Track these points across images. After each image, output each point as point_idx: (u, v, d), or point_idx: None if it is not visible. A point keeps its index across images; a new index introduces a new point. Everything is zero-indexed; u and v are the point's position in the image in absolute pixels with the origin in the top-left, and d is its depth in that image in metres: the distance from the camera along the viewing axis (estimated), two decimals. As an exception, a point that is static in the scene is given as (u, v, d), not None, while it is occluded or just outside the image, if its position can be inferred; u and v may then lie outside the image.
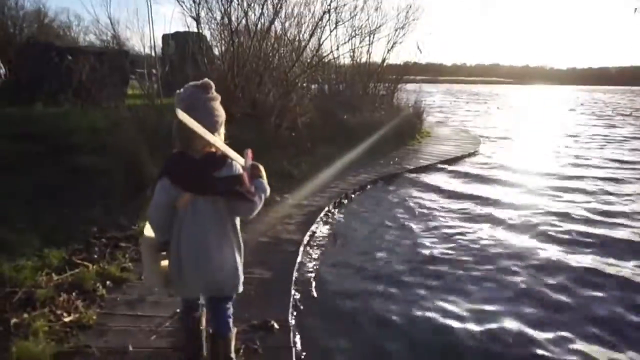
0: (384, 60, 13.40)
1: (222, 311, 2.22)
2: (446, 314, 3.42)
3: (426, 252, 4.62)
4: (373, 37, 12.72)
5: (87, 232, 4.21)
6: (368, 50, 12.92)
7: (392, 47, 13.09)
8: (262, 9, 7.51)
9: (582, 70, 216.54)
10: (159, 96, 8.21)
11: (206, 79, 2.05)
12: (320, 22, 8.01)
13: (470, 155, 10.39)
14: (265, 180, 2.08)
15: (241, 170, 2.00)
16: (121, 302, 3.15)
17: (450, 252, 4.63)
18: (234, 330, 2.34)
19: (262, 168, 2.09)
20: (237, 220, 2.14)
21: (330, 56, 9.59)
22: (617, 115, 25.63)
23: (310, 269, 4.11)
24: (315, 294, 3.69)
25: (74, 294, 3.13)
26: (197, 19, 7.63)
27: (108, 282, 3.37)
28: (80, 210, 4.66)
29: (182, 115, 1.81)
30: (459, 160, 9.77)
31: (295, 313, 3.27)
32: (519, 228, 5.41)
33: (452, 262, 4.39)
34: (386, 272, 4.15)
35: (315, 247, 4.64)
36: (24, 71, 10.41)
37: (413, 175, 8.13)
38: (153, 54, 9.65)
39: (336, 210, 5.94)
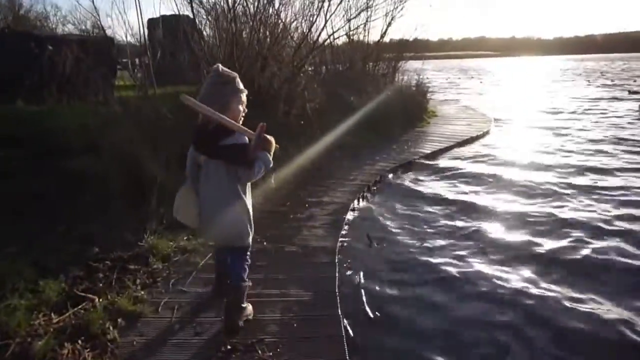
0: (382, 36, 12.67)
1: (233, 262, 2.60)
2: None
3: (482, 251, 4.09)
4: (371, 13, 12.00)
5: (88, 254, 3.59)
6: (365, 27, 12.21)
7: (390, 22, 12.38)
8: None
9: (568, 39, 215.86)
10: (153, 86, 7.50)
11: (216, 65, 2.43)
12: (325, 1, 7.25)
13: (484, 134, 9.84)
14: (270, 154, 2.37)
15: (246, 141, 2.35)
16: (138, 346, 2.57)
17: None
18: (246, 283, 2.65)
19: (272, 142, 2.37)
20: (245, 184, 2.48)
21: (327, 35, 8.78)
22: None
23: (355, 284, 3.54)
24: (370, 318, 3.13)
25: (79, 341, 2.53)
26: (190, 2, 6.86)
27: (119, 320, 2.77)
28: (76, 226, 4.02)
29: (185, 99, 2.24)
30: (474, 141, 9.23)
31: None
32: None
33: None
34: (438, 280, 3.61)
35: (351, 254, 4.07)
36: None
37: (432, 161, 7.56)
38: (141, 40, 8.88)
39: (362, 205, 5.36)
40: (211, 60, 6.72)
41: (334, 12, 7.99)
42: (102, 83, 8.55)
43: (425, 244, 4.29)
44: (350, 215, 4.91)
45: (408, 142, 8.75)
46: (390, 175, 6.64)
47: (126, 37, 7.71)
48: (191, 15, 7.55)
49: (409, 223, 4.85)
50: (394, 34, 13.20)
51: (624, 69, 41.41)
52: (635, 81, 26.57)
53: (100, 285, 3.17)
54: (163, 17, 9.63)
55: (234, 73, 2.44)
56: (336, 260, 3.69)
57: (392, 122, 9.62)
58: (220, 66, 2.41)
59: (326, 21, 7.60)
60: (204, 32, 7.50)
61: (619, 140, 9.04)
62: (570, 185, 6.05)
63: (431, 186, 6.18)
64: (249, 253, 2.66)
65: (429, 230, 4.66)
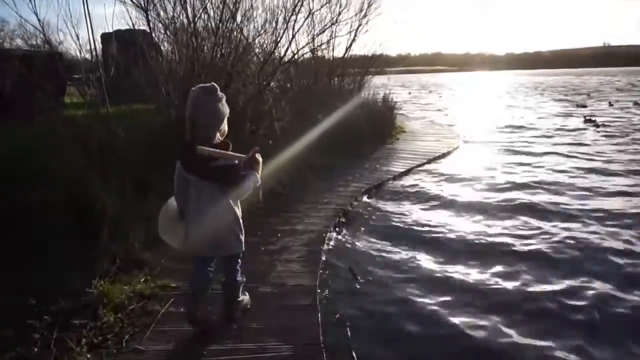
0: (347, 51, 12.47)
1: (227, 272, 2.88)
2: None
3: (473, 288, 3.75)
4: (335, 29, 11.79)
5: (22, 308, 3.00)
6: (330, 43, 11.97)
7: (354, 38, 12.20)
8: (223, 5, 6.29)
9: (518, 55, 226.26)
10: (105, 104, 6.89)
11: (213, 84, 2.54)
12: (293, 15, 6.88)
13: (454, 150, 9.72)
14: (258, 173, 2.59)
15: (236, 162, 2.53)
16: None
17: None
18: (241, 280, 2.94)
19: (259, 161, 2.61)
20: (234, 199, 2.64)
21: (293, 51, 8.42)
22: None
23: (342, 333, 3.08)
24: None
25: None
26: (146, 15, 6.34)
27: (58, 399, 2.24)
28: (9, 272, 3.40)
29: (201, 150, 2.41)
30: (445, 157, 9.08)
31: None
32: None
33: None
34: (434, 324, 3.23)
35: (334, 292, 3.64)
36: None
37: (406, 180, 7.28)
38: (92, 55, 8.24)
39: (339, 234, 4.94)
40: (170, 77, 6.21)
41: (299, 29, 7.63)
42: (47, 101, 7.82)
43: (413, 279, 3.92)
44: (327, 245, 4.48)
45: (379, 159, 8.48)
46: (365, 197, 6.28)
47: (79, 52, 7.07)
48: (147, 30, 7.00)
49: (392, 252, 4.47)
50: (358, 50, 13.06)
51: (574, 84, 43.46)
52: (581, 95, 27.80)
53: (36, 349, 2.61)
54: (117, 32, 9.02)
55: (201, 87, 2.54)
56: (317, 303, 3.26)
57: (361, 139, 9.36)
58: (214, 84, 2.54)
59: (292, 37, 7.23)
60: (162, 47, 6.95)
61: (582, 154, 9.14)
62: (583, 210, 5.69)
63: (409, 207, 5.87)
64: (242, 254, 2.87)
65: (415, 259, 4.30)
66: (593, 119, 14.80)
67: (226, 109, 2.56)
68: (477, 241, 4.71)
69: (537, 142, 10.86)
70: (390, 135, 10.78)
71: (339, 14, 10.78)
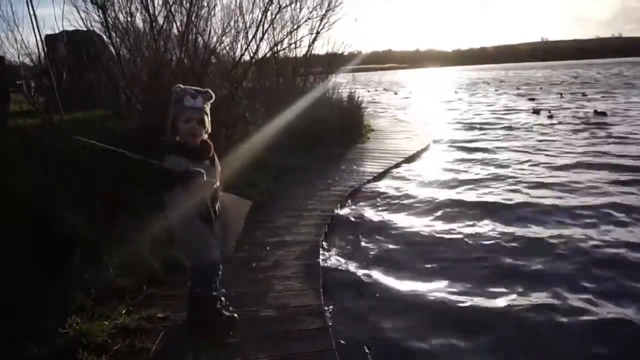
0: (309, 50, 12.21)
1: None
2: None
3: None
4: (296, 28, 11.47)
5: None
6: (294, 42, 11.64)
7: (316, 37, 11.95)
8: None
9: (465, 51, 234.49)
10: (59, 111, 6.27)
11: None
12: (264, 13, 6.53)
13: (426, 148, 9.66)
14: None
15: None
16: None
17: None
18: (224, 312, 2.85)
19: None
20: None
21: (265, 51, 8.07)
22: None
23: None
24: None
25: None
26: (104, 15, 5.78)
27: None
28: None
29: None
30: (419, 155, 9.00)
31: None
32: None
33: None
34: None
35: (343, 311, 3.35)
36: None
37: (385, 181, 7.09)
38: (39, 59, 7.55)
39: (332, 245, 4.64)
40: (132, 82, 5.71)
41: (268, 27, 7.29)
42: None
43: (420, 294, 3.69)
44: (322, 258, 4.18)
45: (354, 160, 8.27)
46: (350, 202, 6.02)
47: (18, 56, 6.41)
48: (103, 30, 6.42)
49: (391, 263, 4.22)
50: (319, 49, 12.84)
51: (519, 78, 45.30)
52: (534, 89, 28.96)
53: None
54: (67, 32, 8.29)
55: (188, 89, 2.49)
56: (329, 325, 2.96)
57: (333, 138, 9.14)
58: (179, 86, 2.49)
59: (262, 35, 6.88)
60: (121, 50, 6.39)
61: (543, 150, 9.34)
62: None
63: (397, 212, 5.66)
64: None
65: (416, 271, 4.09)
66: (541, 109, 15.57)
67: (180, 110, 2.46)
68: (479, 247, 4.55)
69: (501, 139, 11.05)
70: (360, 135, 10.60)
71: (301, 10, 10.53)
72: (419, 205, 5.90)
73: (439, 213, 5.57)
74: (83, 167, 4.53)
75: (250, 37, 6.71)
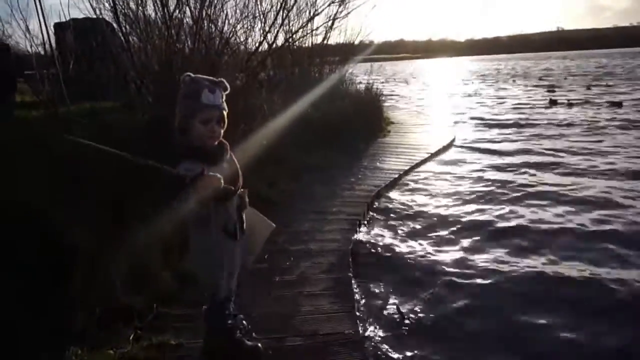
0: (325, 40, 11.69)
1: None
2: None
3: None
4: (315, 15, 10.93)
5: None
6: (308, 29, 11.11)
7: (332, 24, 11.40)
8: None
9: (478, 40, 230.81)
10: (65, 102, 5.88)
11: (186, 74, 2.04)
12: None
13: (452, 143, 9.14)
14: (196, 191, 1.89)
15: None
16: None
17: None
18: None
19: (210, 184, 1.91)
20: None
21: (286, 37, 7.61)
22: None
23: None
24: None
25: None
26: (113, 1, 5.34)
27: None
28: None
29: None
30: (446, 150, 8.50)
31: None
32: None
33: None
34: None
35: (384, 344, 2.89)
36: None
37: (413, 180, 6.62)
38: (46, 47, 7.12)
39: (364, 256, 4.18)
40: (143, 72, 5.27)
41: (289, 13, 6.81)
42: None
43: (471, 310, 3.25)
44: (353, 269, 3.73)
45: (377, 156, 7.78)
46: (377, 203, 5.56)
47: (30, 45, 6.02)
48: (113, 17, 5.97)
49: (436, 278, 3.76)
50: (335, 38, 12.35)
51: (541, 69, 44.13)
52: (557, 79, 28.08)
53: None
54: (75, 20, 7.88)
55: (202, 80, 2.00)
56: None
57: (352, 132, 8.64)
58: (190, 75, 2.01)
59: (282, 22, 6.39)
60: (131, 38, 5.95)
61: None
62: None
63: (433, 213, 5.21)
64: None
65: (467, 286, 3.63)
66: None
67: (194, 107, 2.01)
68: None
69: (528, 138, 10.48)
70: (381, 128, 10.09)
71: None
72: (453, 202, 5.45)
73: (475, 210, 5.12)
74: (87, 163, 4.12)
75: (267, 24, 6.23)
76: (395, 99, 20.31)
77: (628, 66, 38.50)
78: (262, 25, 6.33)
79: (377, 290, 3.52)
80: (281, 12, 7.11)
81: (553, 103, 15.56)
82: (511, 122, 12.07)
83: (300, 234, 4.39)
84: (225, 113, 2.06)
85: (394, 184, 6.31)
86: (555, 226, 4.70)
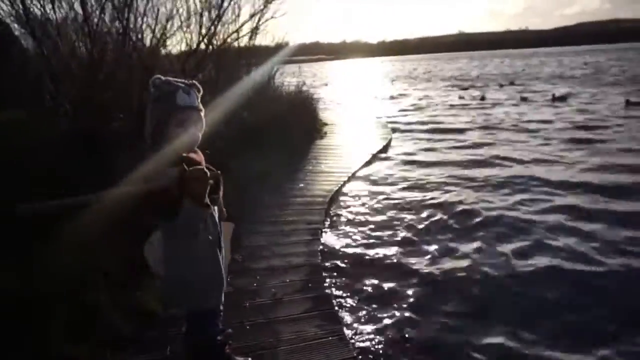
0: (251, 40, 11.32)
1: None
2: None
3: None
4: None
5: None
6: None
7: (256, 29, 11.08)
8: None
9: (389, 42, 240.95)
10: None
11: (154, 77, 1.78)
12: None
13: (391, 141, 9.21)
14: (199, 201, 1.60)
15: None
16: None
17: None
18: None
19: (200, 181, 1.60)
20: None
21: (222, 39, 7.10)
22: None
23: None
24: None
25: None
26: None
27: None
28: None
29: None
30: (388, 149, 8.53)
31: None
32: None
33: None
34: None
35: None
36: None
37: (361, 182, 6.50)
38: None
39: (334, 270, 3.90)
40: (62, 75, 4.56)
41: (222, 13, 6.33)
42: None
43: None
44: (329, 284, 3.46)
45: (319, 159, 7.56)
46: (333, 210, 5.32)
47: None
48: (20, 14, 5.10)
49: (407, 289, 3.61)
50: (259, 40, 12.03)
51: (449, 70, 46.80)
52: (464, 79, 29.90)
53: None
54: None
55: (176, 82, 1.76)
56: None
57: (291, 135, 8.34)
58: (159, 77, 1.76)
59: (216, 22, 5.91)
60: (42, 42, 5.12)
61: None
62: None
63: (389, 214, 5.09)
64: None
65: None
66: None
67: (174, 111, 1.76)
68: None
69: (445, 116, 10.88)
70: (317, 130, 9.89)
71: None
72: (409, 201, 5.38)
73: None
74: None
75: (204, 27, 5.74)
76: (323, 101, 20.31)
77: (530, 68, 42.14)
78: (199, 27, 5.81)
79: (361, 306, 3.27)
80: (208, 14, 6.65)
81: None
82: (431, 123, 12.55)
83: (260, 249, 4.02)
84: (202, 115, 1.82)
85: (343, 187, 6.11)
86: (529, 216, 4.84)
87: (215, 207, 1.90)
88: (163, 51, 5.40)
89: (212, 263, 1.89)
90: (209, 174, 1.59)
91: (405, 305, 3.26)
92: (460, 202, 5.39)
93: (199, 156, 1.83)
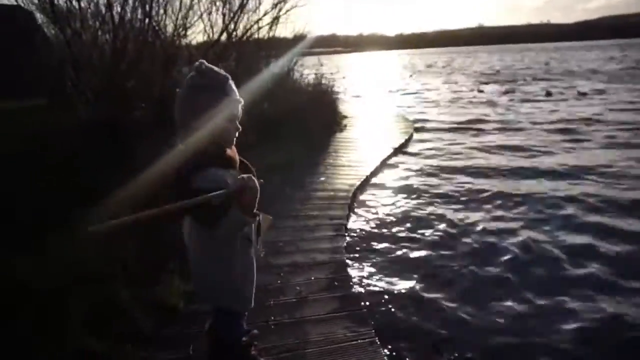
0: (270, 31, 11.21)
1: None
2: None
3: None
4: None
5: None
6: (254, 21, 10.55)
7: (276, 19, 10.95)
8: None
9: (407, 35, 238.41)
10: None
11: (199, 62, 1.60)
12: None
13: (412, 136, 9.00)
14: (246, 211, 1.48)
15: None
16: None
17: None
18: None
19: (251, 192, 1.48)
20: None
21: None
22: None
23: None
24: None
25: None
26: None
27: None
28: None
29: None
30: (409, 144, 8.34)
31: None
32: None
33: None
34: None
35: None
36: None
37: (386, 176, 6.35)
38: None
39: (361, 265, 3.79)
40: (88, 65, 4.50)
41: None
42: None
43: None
44: (356, 283, 3.33)
45: (340, 152, 7.43)
46: (357, 203, 5.19)
47: None
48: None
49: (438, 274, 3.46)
50: (279, 32, 11.90)
51: (469, 63, 46.02)
52: (487, 73, 29.33)
53: None
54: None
55: (223, 73, 1.58)
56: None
57: (311, 128, 8.22)
58: (204, 63, 1.58)
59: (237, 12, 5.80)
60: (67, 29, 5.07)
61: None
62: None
63: (416, 210, 4.94)
64: None
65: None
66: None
67: (221, 102, 1.60)
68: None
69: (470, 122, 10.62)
70: (337, 123, 9.73)
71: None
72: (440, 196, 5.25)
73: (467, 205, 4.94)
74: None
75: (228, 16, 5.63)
76: (343, 93, 20.12)
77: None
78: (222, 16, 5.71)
79: (390, 309, 3.13)
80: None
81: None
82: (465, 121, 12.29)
83: (283, 244, 3.91)
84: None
85: (367, 181, 5.97)
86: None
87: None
88: (183, 41, 5.29)
89: (246, 264, 1.78)
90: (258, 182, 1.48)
91: (438, 310, 3.11)
92: (497, 192, 5.30)
93: (233, 151, 1.72)
